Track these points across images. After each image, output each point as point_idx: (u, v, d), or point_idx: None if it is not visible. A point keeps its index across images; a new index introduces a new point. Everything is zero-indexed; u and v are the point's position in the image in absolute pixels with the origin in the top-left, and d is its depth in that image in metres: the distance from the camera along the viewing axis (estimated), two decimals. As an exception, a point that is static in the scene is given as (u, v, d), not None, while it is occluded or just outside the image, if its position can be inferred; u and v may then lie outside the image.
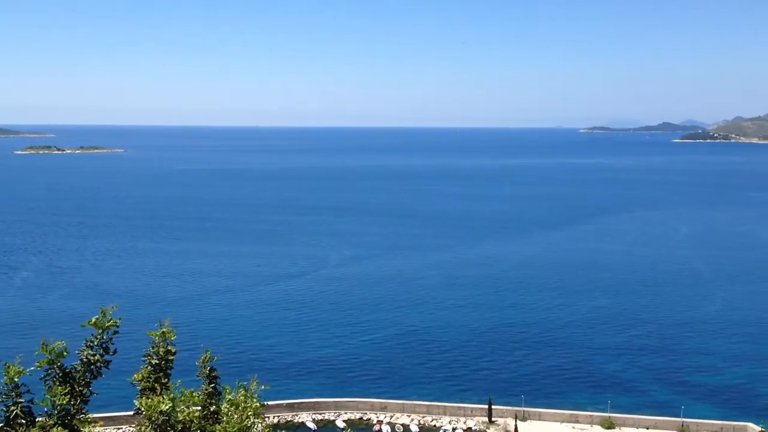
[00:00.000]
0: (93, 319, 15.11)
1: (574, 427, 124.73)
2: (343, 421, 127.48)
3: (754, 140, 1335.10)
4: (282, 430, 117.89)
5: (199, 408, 14.88)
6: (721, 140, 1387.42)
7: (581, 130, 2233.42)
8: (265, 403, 16.97)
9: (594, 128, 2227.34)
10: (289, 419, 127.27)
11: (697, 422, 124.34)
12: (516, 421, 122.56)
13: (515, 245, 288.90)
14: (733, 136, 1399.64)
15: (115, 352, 15.31)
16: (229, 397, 15.28)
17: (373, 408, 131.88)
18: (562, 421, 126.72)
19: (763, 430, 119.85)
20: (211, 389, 15.33)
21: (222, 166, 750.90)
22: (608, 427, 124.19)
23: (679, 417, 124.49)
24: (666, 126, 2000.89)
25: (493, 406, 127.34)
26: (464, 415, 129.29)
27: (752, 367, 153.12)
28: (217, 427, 14.75)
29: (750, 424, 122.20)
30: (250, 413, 14.90)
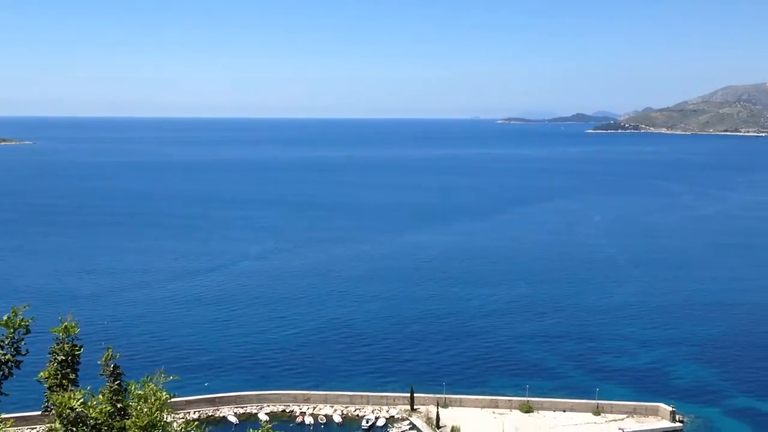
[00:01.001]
0: (4, 318, 14.65)
1: (494, 412, 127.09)
2: (266, 413, 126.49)
3: (663, 130, 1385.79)
4: (203, 425, 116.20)
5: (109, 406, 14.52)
6: (632, 130, 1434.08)
7: (498, 121, 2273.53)
8: (182, 398, 16.61)
9: (510, 119, 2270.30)
10: (210, 414, 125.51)
11: (611, 404, 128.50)
12: (438, 408, 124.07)
13: (437, 235, 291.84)
14: (642, 126, 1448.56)
15: (26, 352, 14.87)
16: (138, 392, 14.90)
17: (296, 400, 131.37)
18: (483, 407, 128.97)
19: (673, 409, 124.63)
20: (116, 386, 14.92)
21: (132, 158, 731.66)
22: (526, 411, 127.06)
23: (594, 399, 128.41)
24: (579, 117, 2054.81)
25: (415, 395, 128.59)
26: (387, 404, 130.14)
27: (664, 349, 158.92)
28: (127, 422, 14.36)
29: (661, 404, 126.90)
30: (159, 405, 14.57)
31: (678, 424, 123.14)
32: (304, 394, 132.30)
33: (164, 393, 14.99)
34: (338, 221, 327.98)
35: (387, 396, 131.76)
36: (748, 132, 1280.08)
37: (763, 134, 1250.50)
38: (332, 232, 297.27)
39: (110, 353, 15.23)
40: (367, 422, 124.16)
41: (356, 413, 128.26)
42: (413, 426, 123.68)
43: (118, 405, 14.63)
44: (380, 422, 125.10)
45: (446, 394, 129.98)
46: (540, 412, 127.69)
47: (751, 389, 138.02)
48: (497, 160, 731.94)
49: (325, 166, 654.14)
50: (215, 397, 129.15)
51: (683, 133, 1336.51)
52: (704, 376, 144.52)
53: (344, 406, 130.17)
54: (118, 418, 14.45)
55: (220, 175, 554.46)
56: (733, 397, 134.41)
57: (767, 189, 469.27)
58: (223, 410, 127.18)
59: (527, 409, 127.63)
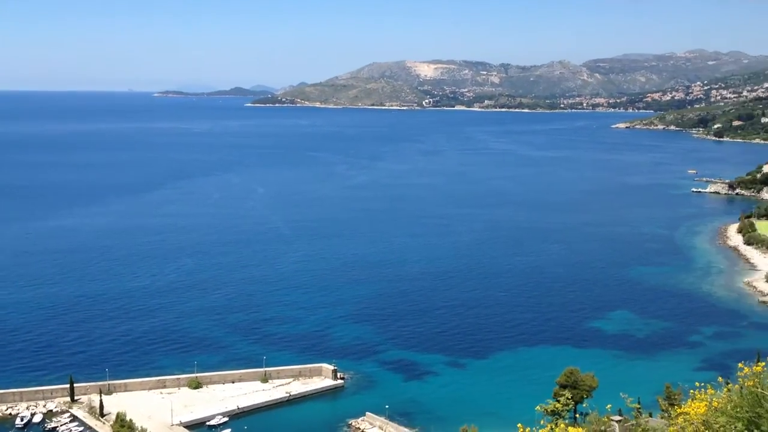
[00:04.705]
0: None
1: (161, 392, 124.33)
2: None
3: (317, 104, 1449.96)
4: None
5: None
6: (289, 104, 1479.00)
7: (155, 94, 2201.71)
8: None
9: (168, 92, 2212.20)
10: None
11: (278, 369, 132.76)
12: (101, 395, 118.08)
13: (92, 215, 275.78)
14: (298, 100, 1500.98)
15: None
16: None
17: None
18: (150, 389, 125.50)
19: (335, 368, 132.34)
20: None
21: None
22: (195, 387, 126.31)
23: (262, 367, 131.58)
24: (238, 91, 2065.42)
25: (75, 385, 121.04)
26: (44, 398, 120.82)
27: (325, 313, 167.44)
28: None
29: (324, 365, 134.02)
30: None
31: (340, 381, 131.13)
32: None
33: None
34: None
35: (43, 390, 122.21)
36: (391, 106, 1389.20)
37: (405, 107, 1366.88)
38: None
39: None
40: (22, 420, 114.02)
41: (8, 412, 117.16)
42: (75, 418, 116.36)
43: None
44: (37, 418, 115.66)
45: (110, 380, 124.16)
46: (209, 386, 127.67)
47: (401, 343, 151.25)
48: (156, 134, 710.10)
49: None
50: None
51: (335, 107, 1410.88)
52: (361, 334, 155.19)
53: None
54: None
55: None
56: (386, 351, 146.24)
57: (408, 158, 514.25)
58: None
59: (196, 385, 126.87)
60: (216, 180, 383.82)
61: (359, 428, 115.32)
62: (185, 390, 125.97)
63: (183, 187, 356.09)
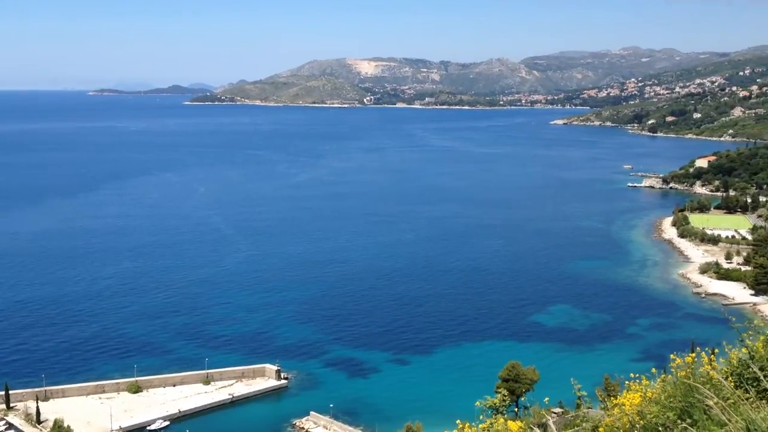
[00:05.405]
0: None
1: (100, 398, 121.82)
2: None
3: (257, 102, 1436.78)
4: None
5: None
6: (228, 102, 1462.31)
7: (90, 93, 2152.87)
8: None
9: (104, 90, 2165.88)
10: None
11: (221, 371, 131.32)
12: (37, 402, 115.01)
13: (25, 218, 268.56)
14: (238, 98, 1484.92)
15: None
16: None
17: None
18: (88, 394, 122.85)
19: (279, 368, 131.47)
20: None
21: None
22: (135, 391, 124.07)
23: (204, 369, 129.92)
24: (176, 89, 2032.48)
25: (10, 392, 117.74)
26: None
27: (269, 313, 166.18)
28: None
29: (267, 365, 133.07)
30: None
31: (283, 381, 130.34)
32: None
33: None
34: None
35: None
36: (333, 103, 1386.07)
37: (346, 105, 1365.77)
38: None
39: None
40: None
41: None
42: (10, 425, 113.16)
43: None
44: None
45: (47, 386, 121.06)
46: (150, 390, 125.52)
47: (345, 341, 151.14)
48: (91, 134, 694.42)
49: None
50: None
51: (276, 105, 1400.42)
52: (305, 333, 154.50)
53: None
54: None
55: None
56: (331, 350, 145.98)
57: (350, 156, 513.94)
58: None
59: (136, 389, 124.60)
60: (155, 180, 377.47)
61: (303, 428, 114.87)
62: (125, 394, 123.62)
63: (121, 187, 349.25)
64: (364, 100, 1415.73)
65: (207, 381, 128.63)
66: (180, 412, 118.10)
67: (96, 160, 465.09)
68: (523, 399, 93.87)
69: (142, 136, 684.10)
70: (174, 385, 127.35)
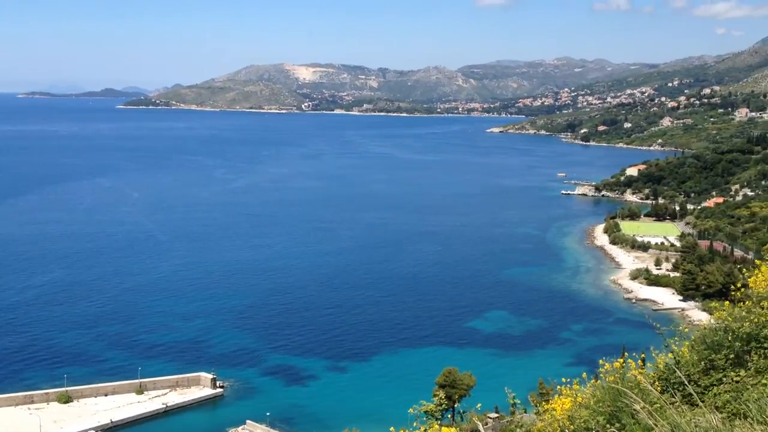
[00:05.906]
0: None
1: (29, 408, 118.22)
2: None
3: (193, 107, 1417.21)
4: None
5: None
6: (164, 106, 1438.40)
7: (20, 95, 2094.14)
8: None
9: (34, 93, 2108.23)
10: None
11: (154, 380, 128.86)
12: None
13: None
14: (173, 103, 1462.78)
15: None
16: None
17: None
18: (16, 405, 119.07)
19: (214, 376, 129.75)
20: None
21: None
22: (66, 401, 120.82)
23: (137, 378, 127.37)
24: (109, 92, 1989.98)
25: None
26: None
27: (205, 321, 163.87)
28: None
29: (202, 374, 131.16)
30: None
31: (219, 390, 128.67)
32: None
33: None
34: None
35: None
36: (270, 109, 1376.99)
37: (284, 111, 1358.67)
38: None
39: None
40: None
41: None
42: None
43: None
44: None
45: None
46: (80, 400, 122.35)
47: (282, 349, 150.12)
48: (19, 138, 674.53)
49: None
50: None
51: (213, 109, 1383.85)
52: (242, 341, 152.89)
53: None
54: None
55: None
56: (267, 358, 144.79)
57: (288, 162, 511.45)
58: None
59: (66, 399, 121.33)
60: (87, 185, 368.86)
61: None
62: (55, 405, 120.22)
63: (51, 192, 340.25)
64: (303, 106, 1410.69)
65: (140, 390, 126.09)
66: (112, 422, 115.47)
67: (25, 164, 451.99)
68: (458, 405, 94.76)
69: (74, 140, 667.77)
70: (106, 395, 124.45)
